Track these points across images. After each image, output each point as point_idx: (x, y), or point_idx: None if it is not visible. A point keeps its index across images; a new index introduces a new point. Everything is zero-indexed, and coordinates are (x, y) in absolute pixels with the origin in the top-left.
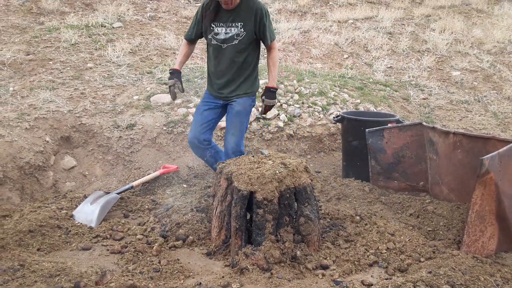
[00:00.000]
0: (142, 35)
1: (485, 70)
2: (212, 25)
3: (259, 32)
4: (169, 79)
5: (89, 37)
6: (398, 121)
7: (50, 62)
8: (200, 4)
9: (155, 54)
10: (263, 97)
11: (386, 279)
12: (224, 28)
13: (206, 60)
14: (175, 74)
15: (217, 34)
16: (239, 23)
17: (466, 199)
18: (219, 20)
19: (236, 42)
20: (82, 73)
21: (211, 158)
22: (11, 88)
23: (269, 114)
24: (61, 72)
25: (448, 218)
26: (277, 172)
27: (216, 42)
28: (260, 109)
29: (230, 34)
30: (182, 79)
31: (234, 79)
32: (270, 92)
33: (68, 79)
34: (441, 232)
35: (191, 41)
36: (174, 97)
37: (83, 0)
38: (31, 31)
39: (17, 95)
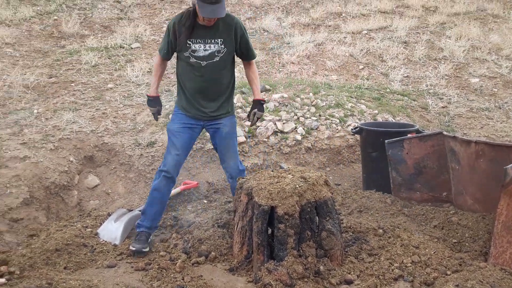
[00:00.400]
0: None
1: (505, 76)
2: (189, 42)
3: (241, 48)
4: (150, 106)
5: (108, 58)
6: (418, 131)
7: (72, 84)
8: (171, 20)
9: (172, 73)
10: (255, 110)
11: None
12: (202, 45)
13: (179, 78)
14: (155, 101)
15: (194, 51)
16: (219, 39)
17: (491, 209)
18: (196, 36)
19: (217, 59)
20: (103, 93)
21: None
22: (35, 111)
23: (286, 128)
24: (83, 94)
25: (474, 229)
26: (297, 186)
27: (195, 60)
28: (250, 122)
29: (209, 51)
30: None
31: (217, 97)
32: (261, 105)
33: (90, 100)
34: (467, 244)
35: (167, 59)
36: (157, 120)
37: (102, 23)
38: (53, 55)
39: (41, 117)
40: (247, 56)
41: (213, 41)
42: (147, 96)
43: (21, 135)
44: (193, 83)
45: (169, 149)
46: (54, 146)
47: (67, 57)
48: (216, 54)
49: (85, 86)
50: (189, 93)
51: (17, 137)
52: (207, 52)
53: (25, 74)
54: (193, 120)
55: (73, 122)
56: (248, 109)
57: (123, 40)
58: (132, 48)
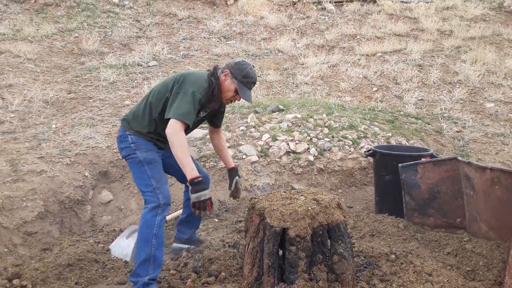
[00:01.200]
0: (176, 72)
1: None
2: (201, 112)
3: (217, 117)
4: (202, 190)
5: (126, 75)
6: (432, 156)
7: (90, 100)
8: (195, 91)
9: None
10: (236, 178)
11: None
12: (201, 112)
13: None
14: (206, 180)
15: (197, 117)
16: (209, 109)
17: (506, 237)
18: (206, 108)
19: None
20: (120, 110)
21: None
22: (53, 126)
23: (299, 148)
24: (100, 110)
25: (488, 258)
26: (310, 208)
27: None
28: (233, 194)
29: (200, 117)
30: None
31: None
32: (237, 171)
33: (107, 116)
34: (481, 272)
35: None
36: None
37: (121, 41)
38: (73, 71)
39: (59, 132)
40: (219, 124)
41: (208, 110)
42: (194, 179)
43: (39, 149)
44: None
45: (159, 180)
46: (70, 161)
47: (86, 74)
48: (201, 119)
49: (102, 102)
50: (162, 134)
51: (35, 151)
52: (198, 117)
53: (45, 90)
54: (159, 150)
55: (90, 137)
56: (262, 128)
57: (140, 58)
58: (149, 66)
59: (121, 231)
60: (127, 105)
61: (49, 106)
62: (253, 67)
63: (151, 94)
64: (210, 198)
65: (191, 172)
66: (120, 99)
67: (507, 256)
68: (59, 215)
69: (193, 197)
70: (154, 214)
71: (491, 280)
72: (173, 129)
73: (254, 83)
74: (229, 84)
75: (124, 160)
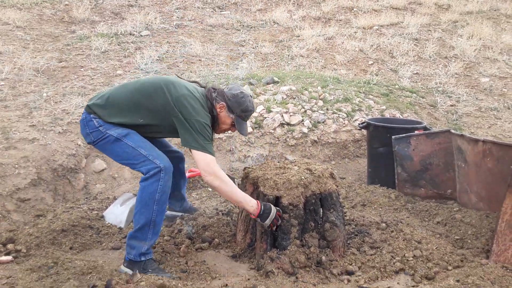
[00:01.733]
0: (169, 43)
1: None
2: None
3: None
4: (270, 213)
5: (118, 45)
6: (425, 128)
7: (82, 69)
8: (203, 120)
9: (181, 61)
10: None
11: (413, 286)
12: None
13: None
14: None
15: None
16: None
17: (496, 208)
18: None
19: None
20: (112, 79)
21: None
22: (44, 94)
23: (293, 120)
24: (92, 79)
25: (477, 227)
26: (303, 177)
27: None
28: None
29: None
30: None
31: None
32: None
33: (99, 85)
34: (469, 241)
35: None
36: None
37: (113, 9)
38: (63, 39)
39: (51, 101)
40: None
41: None
42: (260, 210)
43: (30, 117)
44: (155, 134)
45: (146, 147)
46: (62, 129)
47: (77, 43)
48: None
49: (94, 71)
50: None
51: (26, 119)
52: None
53: (35, 58)
54: None
55: (82, 106)
56: (256, 100)
57: (133, 28)
58: (142, 35)
59: (115, 198)
60: (119, 75)
61: (39, 75)
62: (251, 97)
63: (139, 92)
64: (278, 210)
65: (252, 206)
66: (112, 68)
67: (495, 226)
68: (53, 182)
69: (267, 224)
70: (156, 179)
71: (479, 248)
72: (212, 170)
73: (252, 114)
74: (224, 117)
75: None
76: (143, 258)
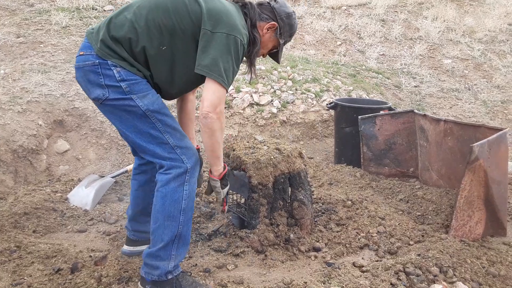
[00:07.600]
0: None
1: (476, 59)
2: None
3: None
4: (224, 186)
5: (80, 20)
6: (390, 109)
7: (41, 45)
8: (238, 39)
9: None
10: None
11: (377, 261)
12: None
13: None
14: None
15: None
16: None
17: (455, 185)
18: None
19: None
20: (74, 56)
21: None
22: (2, 71)
23: (262, 100)
24: (53, 55)
25: (437, 203)
26: (272, 157)
27: None
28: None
29: None
30: None
31: None
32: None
33: (60, 62)
34: (430, 217)
35: None
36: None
37: None
38: (21, 13)
39: (9, 78)
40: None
41: None
42: (226, 173)
43: None
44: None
45: (175, 134)
46: (22, 108)
47: (36, 17)
48: None
49: (55, 47)
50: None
51: None
52: None
53: None
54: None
55: (42, 84)
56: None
57: (95, 2)
58: (105, 10)
59: (80, 180)
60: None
61: None
62: None
63: (153, 5)
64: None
65: (222, 167)
66: (74, 44)
67: (454, 202)
68: (13, 164)
69: (224, 192)
70: (181, 183)
71: (439, 224)
72: (220, 109)
73: None
74: (268, 40)
75: (80, 109)
76: (170, 276)
